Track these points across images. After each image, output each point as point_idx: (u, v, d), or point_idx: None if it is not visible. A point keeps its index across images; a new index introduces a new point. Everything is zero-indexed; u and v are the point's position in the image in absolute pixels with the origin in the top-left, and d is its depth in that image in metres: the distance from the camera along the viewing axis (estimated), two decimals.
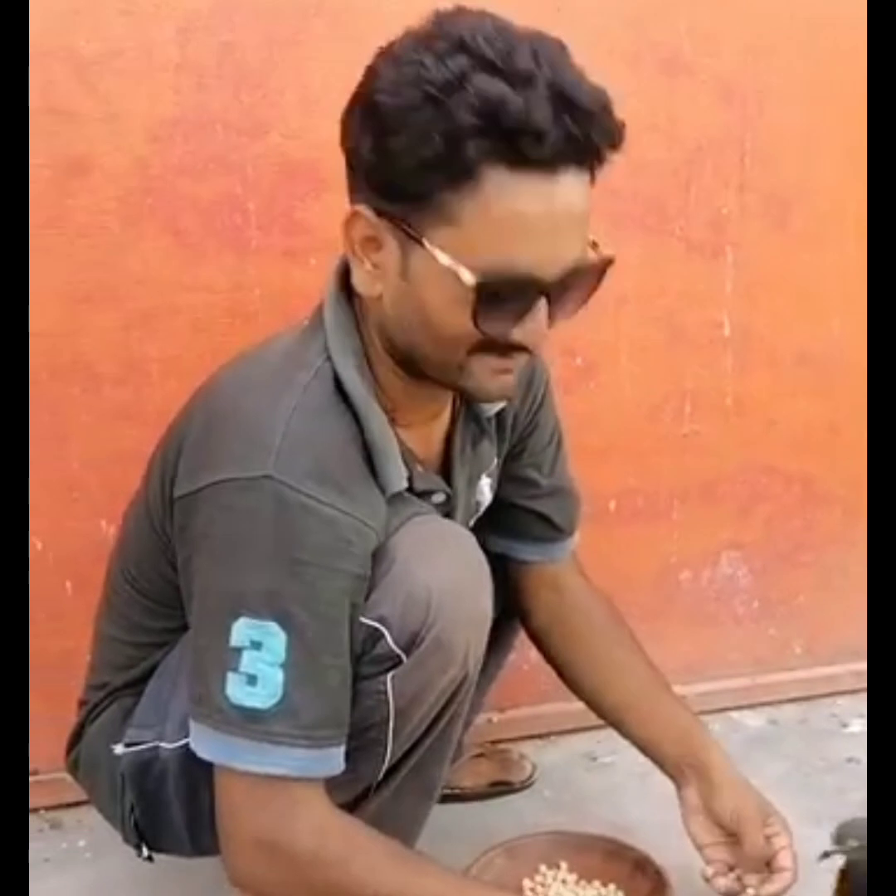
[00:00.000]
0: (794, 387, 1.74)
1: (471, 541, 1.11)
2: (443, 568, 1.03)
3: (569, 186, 0.88)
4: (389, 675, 1.02)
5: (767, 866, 1.22)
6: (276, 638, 0.94)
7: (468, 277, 0.89)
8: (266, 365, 1.03)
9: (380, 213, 0.92)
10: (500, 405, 1.16)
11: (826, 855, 1.11)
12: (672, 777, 1.30)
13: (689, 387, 1.67)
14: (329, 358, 1.00)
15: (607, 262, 0.96)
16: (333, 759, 0.99)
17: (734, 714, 1.88)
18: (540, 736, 1.75)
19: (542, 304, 0.92)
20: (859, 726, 1.86)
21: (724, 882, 1.23)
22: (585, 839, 1.36)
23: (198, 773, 1.05)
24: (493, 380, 1.00)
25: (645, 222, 1.52)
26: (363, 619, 1.00)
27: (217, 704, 0.96)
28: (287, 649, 0.94)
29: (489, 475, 1.23)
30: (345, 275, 1.03)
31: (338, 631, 0.98)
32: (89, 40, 1.29)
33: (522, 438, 1.27)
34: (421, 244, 0.91)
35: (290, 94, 1.37)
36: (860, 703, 1.92)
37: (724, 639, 1.86)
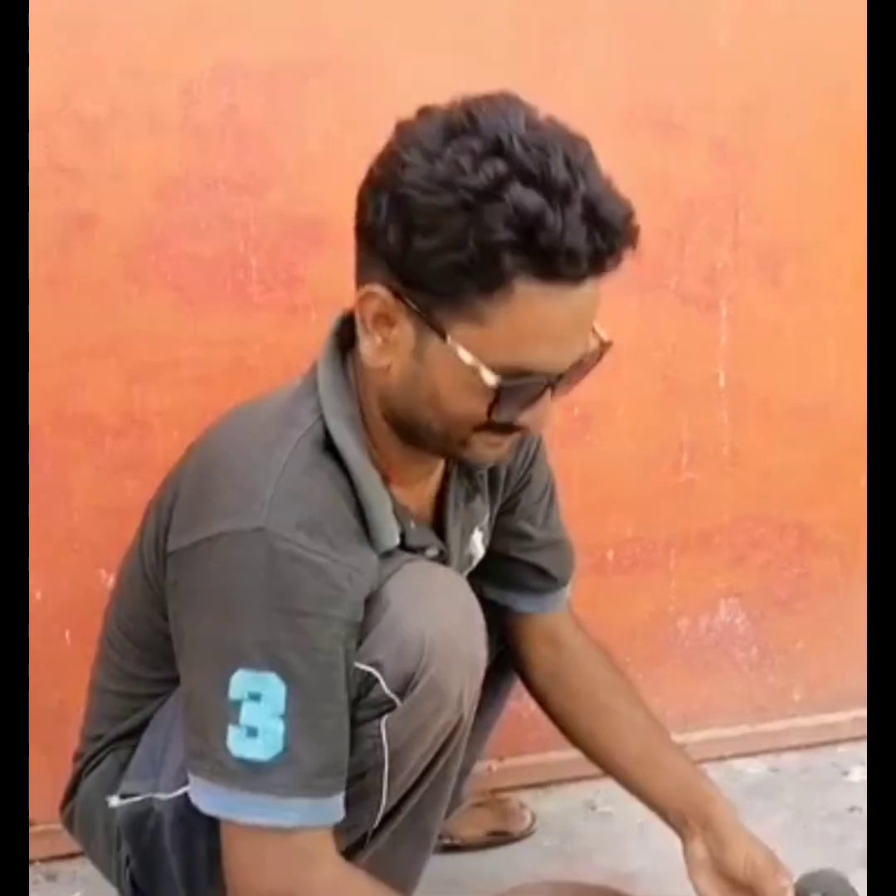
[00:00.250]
0: (789, 437, 1.75)
1: (464, 585, 1.13)
2: (436, 612, 1.05)
3: (590, 292, 0.92)
4: (384, 720, 1.03)
5: None
6: (275, 689, 0.95)
7: (490, 378, 0.92)
8: (258, 421, 1.05)
9: (397, 295, 0.94)
10: (491, 463, 1.18)
11: None
12: (676, 830, 1.29)
13: (685, 438, 1.69)
14: (321, 417, 1.02)
15: (606, 347, 1.00)
16: (336, 807, 1.00)
17: (734, 762, 1.87)
18: (539, 785, 1.74)
19: (548, 392, 0.97)
20: (860, 774, 1.85)
21: None
22: (585, 889, 1.37)
23: (194, 825, 1.05)
24: (492, 451, 1.04)
25: (641, 278, 1.54)
26: (357, 665, 1.01)
27: (218, 758, 0.97)
28: (286, 700, 0.95)
29: (481, 529, 1.25)
30: (342, 335, 1.06)
31: (334, 678, 0.99)
32: (95, 101, 1.32)
33: (515, 493, 1.28)
34: (443, 337, 0.93)
35: (291, 152, 1.40)
36: (861, 750, 1.91)
37: (722, 687, 1.86)
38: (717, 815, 1.26)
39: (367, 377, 1.04)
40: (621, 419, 1.64)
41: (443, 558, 1.16)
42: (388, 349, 0.98)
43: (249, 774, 0.95)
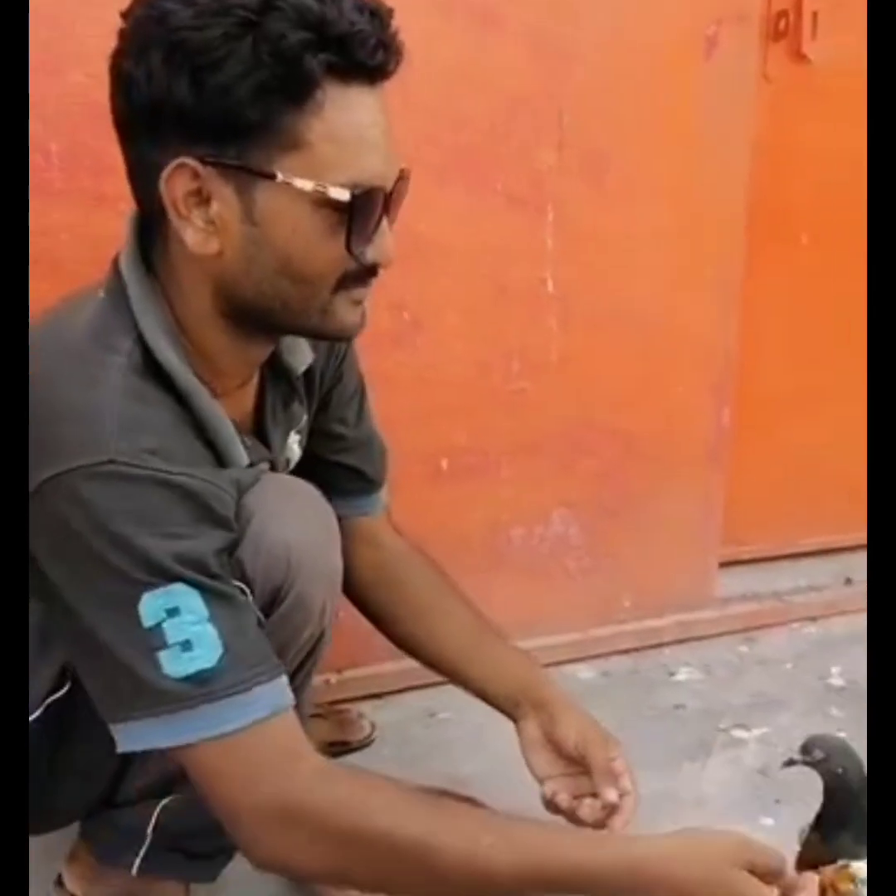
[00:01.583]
0: (614, 345, 1.79)
1: (319, 495, 1.11)
2: (298, 526, 1.03)
3: (382, 96, 0.91)
4: None
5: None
6: (188, 597, 0.89)
7: (342, 195, 0.89)
8: (73, 348, 0.95)
9: (204, 161, 0.88)
10: (308, 363, 1.14)
11: (791, 762, 1.16)
12: (509, 713, 1.30)
13: (515, 344, 1.70)
14: (139, 337, 0.95)
15: (407, 173, 0.97)
16: (287, 687, 0.95)
17: (567, 667, 1.92)
18: (377, 695, 1.75)
19: (385, 217, 0.94)
20: (685, 674, 1.94)
21: (564, 797, 1.22)
22: None
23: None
24: (354, 313, 0.99)
25: (466, 176, 1.53)
26: None
27: (158, 689, 0.89)
28: (205, 602, 0.89)
29: (299, 432, 1.21)
30: (141, 235, 0.98)
31: (229, 581, 0.95)
32: None
33: (328, 391, 1.25)
34: (271, 178, 0.88)
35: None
36: (686, 651, 2.01)
37: (556, 594, 1.90)
38: (550, 695, 1.29)
39: (193, 272, 0.96)
40: (451, 323, 1.62)
41: (273, 468, 1.13)
42: (214, 231, 0.91)
43: (201, 687, 0.89)
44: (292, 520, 1.03)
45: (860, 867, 1.09)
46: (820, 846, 1.14)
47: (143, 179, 0.92)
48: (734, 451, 1.98)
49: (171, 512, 0.90)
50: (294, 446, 1.21)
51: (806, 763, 1.15)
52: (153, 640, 0.89)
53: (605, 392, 1.81)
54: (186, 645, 0.89)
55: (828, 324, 2.11)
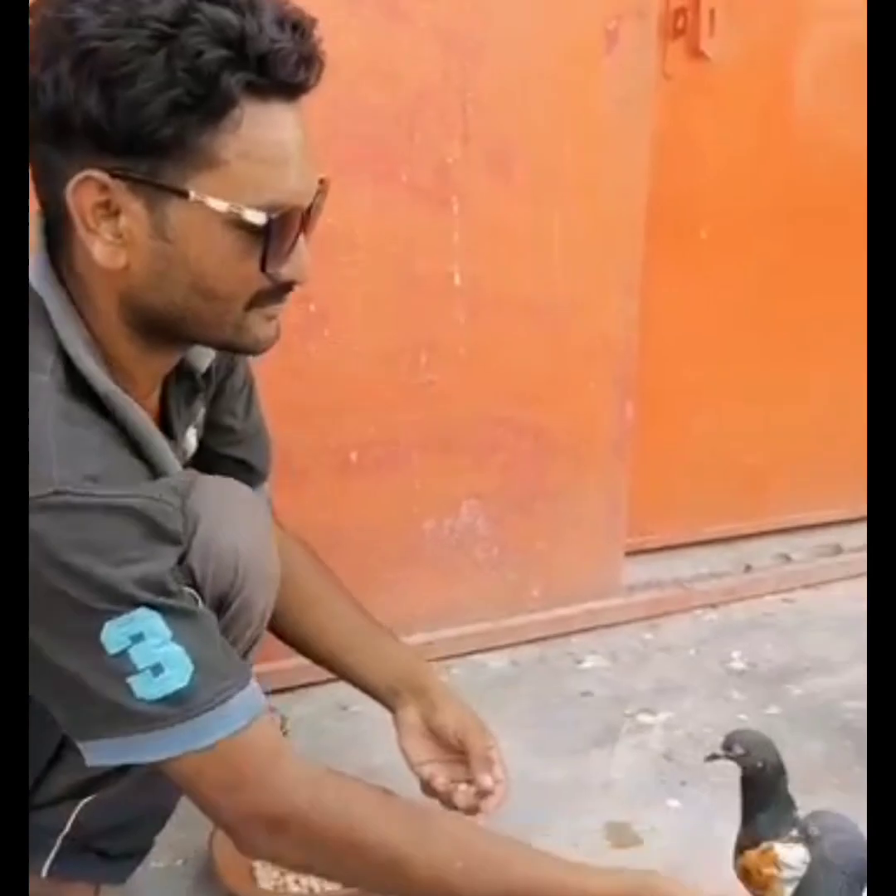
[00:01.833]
0: (523, 338, 1.81)
1: (256, 497, 1.12)
2: (244, 530, 1.04)
3: (302, 111, 0.89)
4: None
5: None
6: (150, 621, 0.88)
7: (257, 218, 0.86)
8: None
9: (115, 174, 0.85)
10: (211, 361, 1.12)
11: (713, 757, 1.20)
12: (387, 701, 1.32)
13: (423, 337, 1.70)
14: (60, 351, 0.92)
15: (326, 184, 0.95)
16: (258, 689, 0.96)
17: (478, 657, 1.94)
18: (290, 689, 1.73)
19: (302, 234, 0.92)
20: (592, 662, 1.97)
21: (442, 781, 1.26)
22: None
23: None
24: (268, 327, 0.97)
25: (372, 167, 1.53)
26: None
27: (134, 711, 0.88)
28: (167, 624, 0.88)
29: (196, 426, 1.19)
30: (50, 244, 0.95)
31: (186, 594, 0.94)
32: None
33: (222, 382, 1.22)
34: (184, 196, 0.85)
35: None
36: (593, 639, 2.05)
37: (466, 585, 1.92)
38: (431, 684, 1.31)
39: (100, 283, 0.93)
40: (358, 315, 1.62)
41: (186, 467, 1.11)
42: (122, 244, 0.88)
43: (177, 706, 0.88)
44: (238, 525, 1.03)
45: (782, 849, 1.14)
46: (743, 832, 1.19)
47: (48, 184, 0.89)
48: (638, 443, 2.02)
49: (123, 537, 0.88)
50: (192, 440, 1.19)
51: (728, 758, 1.20)
52: (122, 666, 0.88)
53: (514, 385, 1.83)
54: (157, 668, 0.88)
55: (726, 318, 2.16)
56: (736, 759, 1.19)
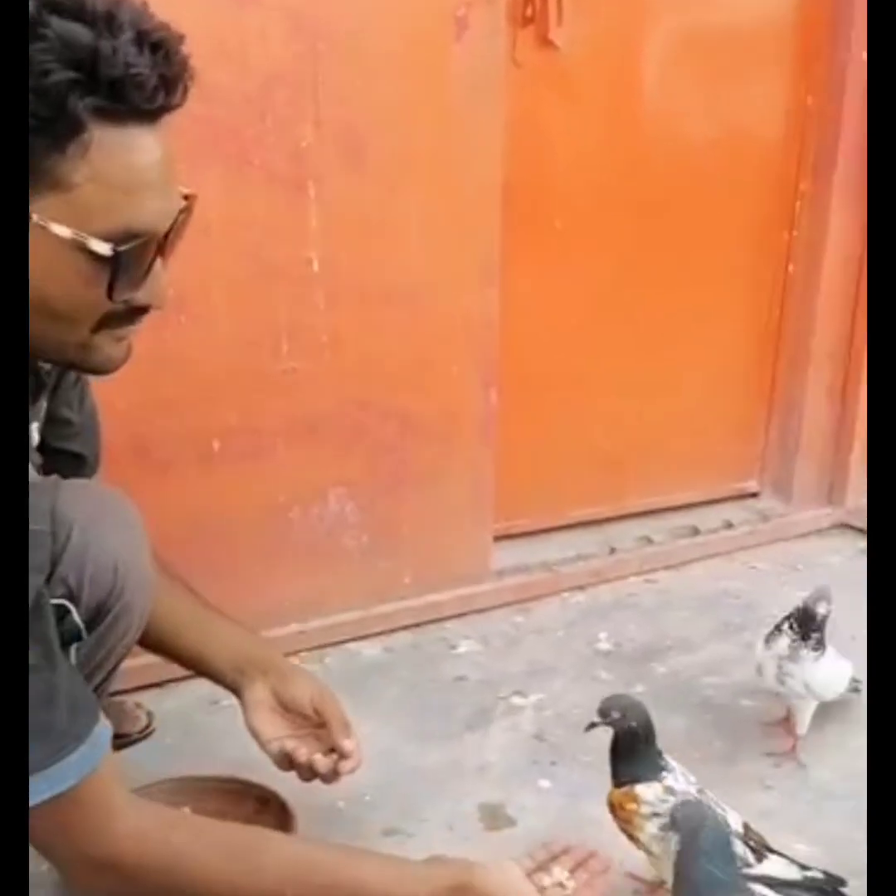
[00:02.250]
0: (384, 324, 1.82)
1: (125, 498, 1.10)
2: (120, 535, 1.03)
3: (165, 132, 0.85)
4: (73, 648, 1.00)
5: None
6: None
7: (102, 248, 0.82)
8: None
9: None
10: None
11: (592, 725, 1.26)
12: (232, 683, 1.31)
13: (283, 323, 1.69)
14: None
15: (193, 200, 0.92)
16: (102, 735, 0.95)
17: (351, 645, 1.94)
18: (157, 684, 1.70)
19: (159, 257, 0.88)
20: (465, 647, 2.00)
21: (304, 751, 1.27)
22: (207, 782, 1.37)
23: None
24: (119, 347, 0.94)
25: (223, 151, 1.51)
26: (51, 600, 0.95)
27: None
28: None
29: (38, 420, 1.16)
30: None
31: (47, 627, 0.91)
32: None
33: (60, 374, 1.19)
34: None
35: None
36: (466, 625, 2.07)
37: (337, 574, 1.91)
38: (276, 659, 1.31)
39: None
40: (217, 302, 1.60)
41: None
42: None
43: None
44: (113, 530, 1.02)
45: (642, 789, 1.23)
46: (614, 777, 1.27)
47: None
48: (503, 429, 2.05)
49: None
50: (35, 435, 1.16)
51: (606, 724, 1.26)
52: None
53: (377, 371, 1.83)
54: None
55: (584, 306, 2.22)
56: (612, 723, 1.26)
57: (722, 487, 2.60)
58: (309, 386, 1.75)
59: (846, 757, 1.62)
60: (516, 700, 1.80)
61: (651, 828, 1.20)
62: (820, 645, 1.56)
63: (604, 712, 1.26)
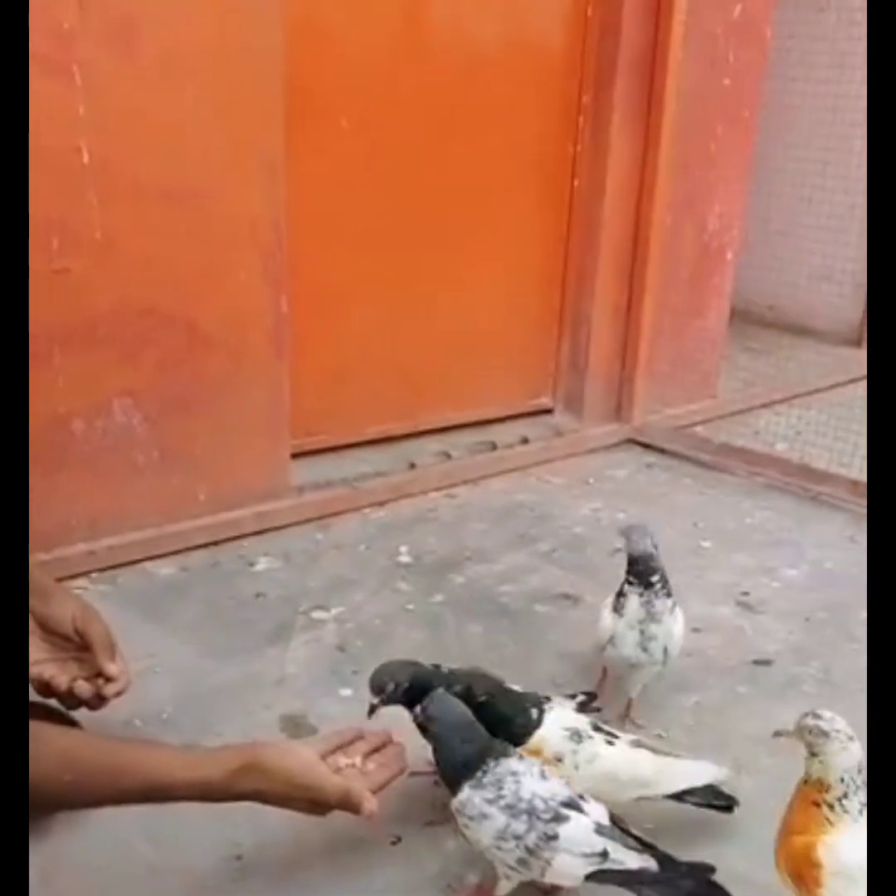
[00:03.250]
0: (165, 225, 1.74)
1: None
2: None
3: None
4: None
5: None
6: None
7: None
8: None
9: None
10: None
11: (373, 709, 1.22)
12: None
13: (53, 217, 1.59)
14: None
15: None
16: None
17: (146, 565, 1.89)
18: None
19: None
20: (265, 564, 1.97)
21: (63, 679, 1.22)
22: None
23: None
24: None
25: None
26: None
27: None
28: None
29: None
30: None
31: None
32: None
33: None
34: None
35: None
36: (265, 542, 2.05)
37: (127, 490, 1.84)
38: (36, 576, 1.24)
39: None
40: None
41: None
42: None
43: None
44: None
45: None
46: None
47: None
48: (298, 342, 2.02)
49: None
50: None
51: (385, 698, 1.23)
52: None
53: (159, 275, 1.76)
54: None
55: (371, 213, 2.19)
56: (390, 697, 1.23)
57: (518, 404, 2.66)
58: (85, 288, 1.66)
59: None
60: (317, 614, 1.80)
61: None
62: (666, 585, 1.43)
63: (379, 688, 1.23)
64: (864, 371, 3.37)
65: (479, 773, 1.08)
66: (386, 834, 1.25)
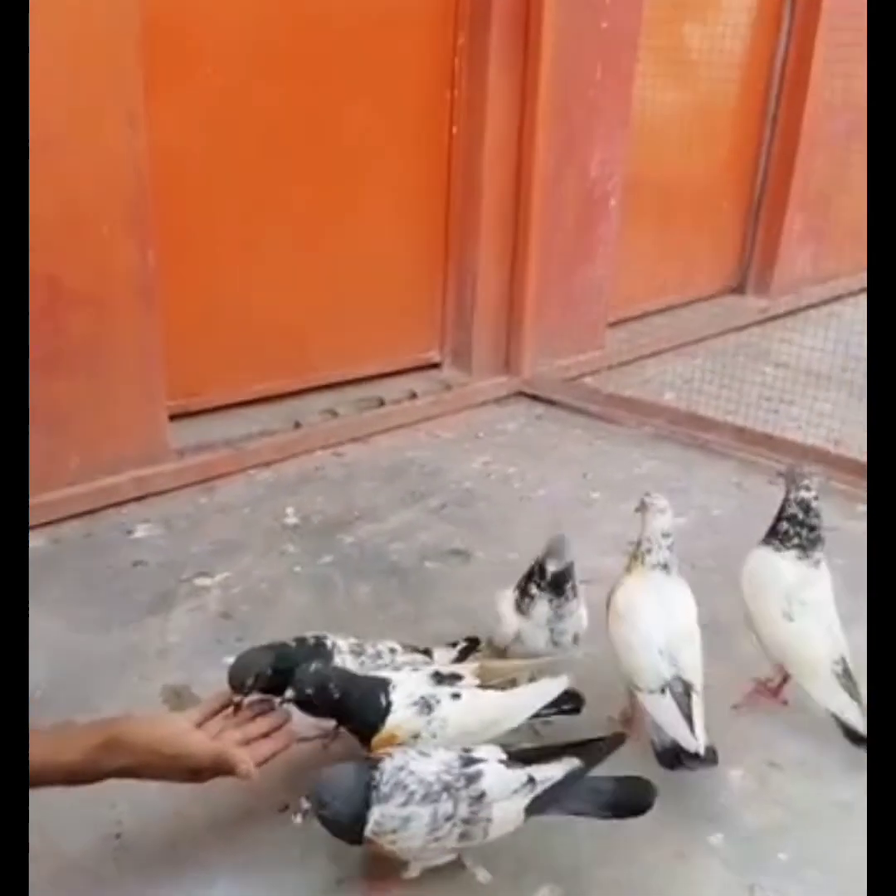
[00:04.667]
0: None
1: None
2: None
3: None
4: None
5: None
6: None
7: None
8: None
9: None
10: None
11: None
12: None
13: None
14: None
15: None
16: None
17: None
18: None
19: None
20: (144, 531, 1.89)
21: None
22: None
23: None
24: None
25: None
26: None
27: None
28: None
29: None
30: None
31: None
32: None
33: None
34: None
35: None
36: (144, 508, 1.96)
37: None
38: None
39: None
40: None
41: None
42: None
43: None
44: None
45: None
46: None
47: None
48: (170, 298, 1.93)
49: None
50: None
51: (302, 698, 1.15)
52: None
53: None
54: None
55: (242, 161, 2.10)
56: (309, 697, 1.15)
57: (405, 358, 2.61)
58: None
59: None
60: (201, 581, 1.73)
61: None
62: (575, 588, 1.41)
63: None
64: (748, 319, 3.46)
65: (372, 793, 1.04)
66: (273, 802, 1.21)
